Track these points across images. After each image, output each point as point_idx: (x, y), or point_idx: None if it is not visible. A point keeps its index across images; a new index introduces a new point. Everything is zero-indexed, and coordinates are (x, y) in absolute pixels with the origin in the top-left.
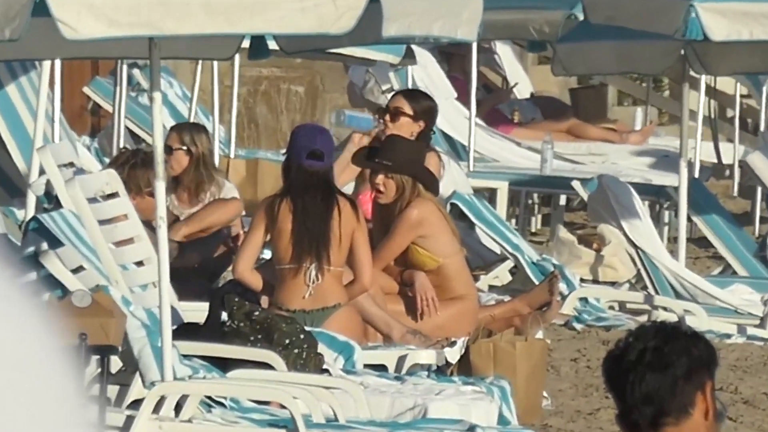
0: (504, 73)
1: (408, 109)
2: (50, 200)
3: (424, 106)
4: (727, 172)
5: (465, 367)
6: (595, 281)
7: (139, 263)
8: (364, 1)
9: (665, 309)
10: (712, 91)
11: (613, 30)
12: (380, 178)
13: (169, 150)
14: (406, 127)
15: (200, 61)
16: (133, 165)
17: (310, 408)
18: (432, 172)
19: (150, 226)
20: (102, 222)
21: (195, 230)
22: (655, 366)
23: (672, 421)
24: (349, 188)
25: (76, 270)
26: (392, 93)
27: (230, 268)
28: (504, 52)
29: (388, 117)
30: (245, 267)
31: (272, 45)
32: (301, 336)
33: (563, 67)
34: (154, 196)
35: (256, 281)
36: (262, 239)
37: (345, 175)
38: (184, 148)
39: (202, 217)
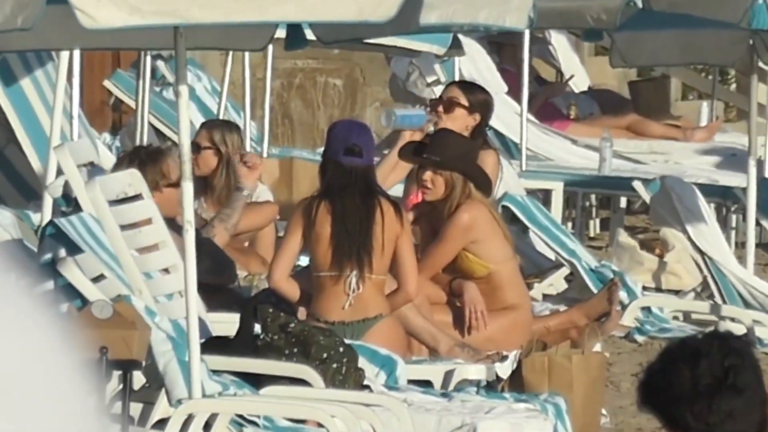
0: (558, 64)
1: (463, 100)
2: (68, 203)
3: (480, 98)
4: None
5: (517, 383)
6: (658, 289)
7: (165, 271)
8: None
9: (733, 319)
10: None
11: (675, 18)
12: (428, 175)
13: (197, 149)
14: (461, 120)
15: (230, 53)
16: (140, 162)
17: (349, 427)
18: (484, 171)
19: (173, 224)
20: (124, 227)
21: (231, 233)
22: (738, 387)
23: None
24: (397, 191)
25: (97, 278)
26: (446, 83)
27: (263, 275)
28: (559, 42)
29: (441, 108)
30: (281, 275)
31: (309, 35)
32: (340, 349)
33: (622, 58)
34: (172, 188)
35: (292, 290)
36: (299, 245)
37: (393, 176)
38: (214, 147)
39: (240, 223)
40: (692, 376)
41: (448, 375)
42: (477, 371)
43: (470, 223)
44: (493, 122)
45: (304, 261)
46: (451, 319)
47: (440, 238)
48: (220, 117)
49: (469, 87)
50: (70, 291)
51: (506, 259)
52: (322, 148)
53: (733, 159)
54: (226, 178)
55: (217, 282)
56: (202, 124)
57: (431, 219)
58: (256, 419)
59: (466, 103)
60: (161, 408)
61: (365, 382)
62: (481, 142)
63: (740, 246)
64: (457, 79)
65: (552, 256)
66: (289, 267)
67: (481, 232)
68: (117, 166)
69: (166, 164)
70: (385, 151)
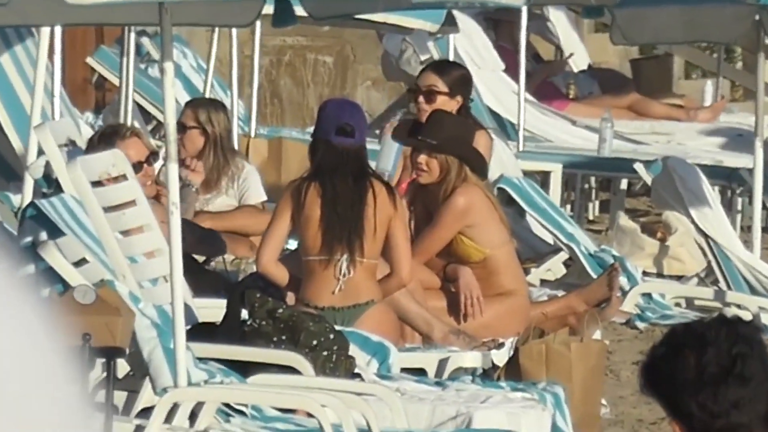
0: (557, 42)
1: (442, 85)
2: (50, 184)
3: (456, 78)
4: None
5: (514, 371)
6: (660, 275)
7: (149, 255)
8: None
9: (738, 306)
10: None
11: None
12: (423, 158)
13: (182, 128)
14: (444, 107)
15: (217, 29)
16: (108, 144)
17: (340, 417)
18: (480, 153)
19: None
20: (107, 209)
21: (218, 228)
22: (745, 376)
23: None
24: None
25: (79, 262)
26: (419, 70)
27: (251, 259)
28: (557, 18)
29: (422, 98)
30: (269, 258)
31: (298, 10)
32: (331, 336)
33: (623, 36)
34: (141, 168)
35: (280, 275)
36: (288, 228)
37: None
38: (200, 127)
39: (231, 220)
40: (698, 363)
41: (443, 363)
42: (472, 359)
43: (466, 207)
44: (489, 101)
45: (292, 245)
46: (446, 305)
47: (435, 221)
48: (207, 95)
49: (443, 68)
50: (52, 275)
51: (502, 243)
52: (312, 128)
53: (739, 140)
54: (213, 159)
55: (206, 253)
56: (187, 103)
57: (426, 202)
58: (243, 408)
59: (445, 89)
60: (146, 397)
61: (356, 371)
62: (471, 123)
63: (746, 230)
64: (452, 57)
65: (550, 240)
66: (277, 250)
67: (477, 215)
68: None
69: (122, 144)
70: (377, 131)
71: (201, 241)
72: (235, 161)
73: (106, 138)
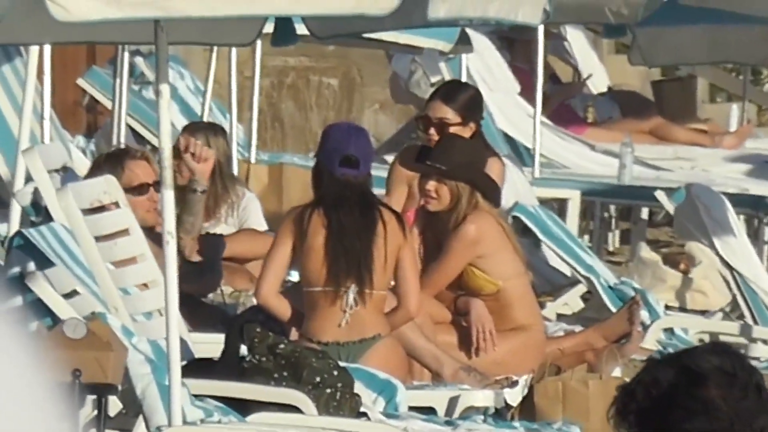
0: (575, 63)
1: (453, 116)
2: (38, 212)
3: (467, 103)
4: None
5: (528, 411)
6: (683, 309)
7: (143, 286)
8: None
9: (765, 341)
10: None
11: (703, 12)
12: (432, 184)
13: (178, 154)
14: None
15: (215, 48)
16: (110, 170)
17: None
18: (493, 180)
19: (151, 234)
20: (99, 238)
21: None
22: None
23: None
24: None
25: (69, 294)
26: (427, 99)
27: (250, 291)
28: (575, 38)
29: (433, 131)
30: (269, 290)
31: (300, 29)
32: (335, 373)
33: (643, 57)
34: (135, 195)
35: (281, 307)
36: (289, 257)
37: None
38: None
39: (230, 244)
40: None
41: (453, 401)
42: (484, 397)
43: (477, 236)
44: (503, 125)
45: (294, 276)
46: (456, 340)
47: (445, 251)
48: (204, 119)
49: (452, 96)
50: (40, 308)
51: (517, 274)
52: (315, 153)
53: (766, 166)
54: (211, 186)
55: (198, 290)
56: (185, 128)
57: (435, 231)
58: None
59: (458, 119)
60: None
61: (362, 409)
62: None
63: None
64: (465, 78)
65: (567, 271)
66: (278, 281)
67: (489, 245)
68: (88, 174)
69: (127, 166)
70: (385, 156)
71: (191, 278)
72: (235, 189)
73: (113, 158)
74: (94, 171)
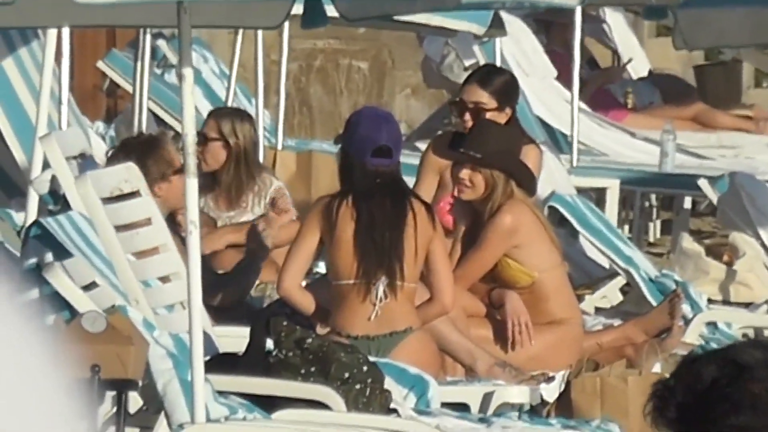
0: (614, 46)
1: (489, 100)
2: (56, 201)
3: (502, 88)
4: None
5: (565, 408)
6: (726, 302)
7: (165, 279)
8: None
9: None
10: None
11: None
12: (466, 173)
13: (203, 140)
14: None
15: (241, 31)
16: (140, 156)
17: None
18: (528, 168)
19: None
20: (119, 228)
21: (242, 241)
22: None
23: None
24: None
25: (88, 286)
26: (462, 82)
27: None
28: (615, 20)
29: (468, 116)
30: (292, 282)
31: (330, 10)
32: (364, 368)
33: (684, 39)
34: (181, 174)
35: (306, 301)
36: (314, 249)
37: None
38: (223, 139)
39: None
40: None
41: (487, 398)
42: (519, 393)
43: (513, 226)
44: (540, 111)
45: (321, 268)
46: (491, 334)
47: (479, 242)
48: (229, 104)
49: (488, 80)
50: (58, 300)
51: (553, 266)
52: (341, 142)
53: None
54: (236, 173)
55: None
56: (210, 113)
57: (469, 222)
58: None
59: (494, 104)
60: None
61: (392, 406)
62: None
63: None
64: (499, 63)
65: (606, 263)
66: (301, 274)
67: (525, 235)
68: (111, 162)
69: (166, 150)
70: (417, 143)
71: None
72: (262, 177)
73: (149, 142)
74: (123, 156)
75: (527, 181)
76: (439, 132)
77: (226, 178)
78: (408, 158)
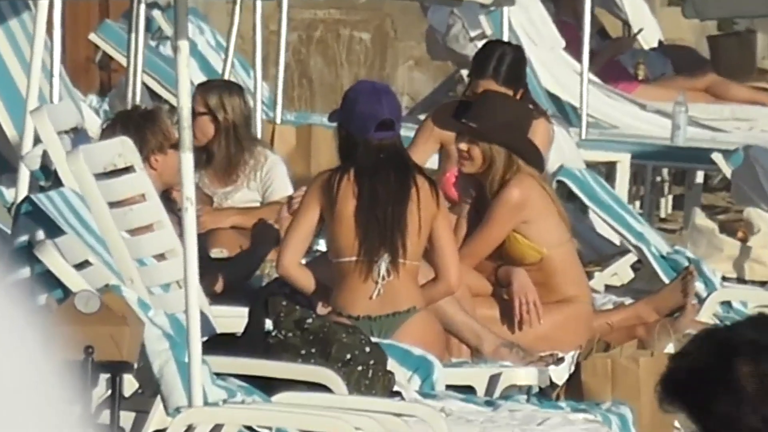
0: (625, 16)
1: (507, 91)
2: (48, 176)
3: (515, 72)
4: None
5: (575, 390)
6: (741, 280)
7: (160, 257)
8: None
9: None
10: None
11: None
12: (464, 144)
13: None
14: None
15: (238, 0)
16: (137, 125)
17: None
18: (533, 143)
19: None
20: (113, 204)
21: (247, 225)
22: None
23: None
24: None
25: (81, 265)
26: (470, 76)
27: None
28: None
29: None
30: (292, 260)
31: None
32: (366, 349)
33: (696, 9)
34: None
35: (305, 279)
36: (314, 225)
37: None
38: (210, 113)
39: (259, 216)
40: (757, 372)
41: (494, 380)
42: (527, 375)
43: (521, 200)
44: (548, 83)
45: (322, 245)
46: (498, 314)
47: (486, 218)
48: (226, 76)
49: (499, 69)
50: (50, 280)
51: (562, 242)
52: (337, 117)
53: None
54: (226, 148)
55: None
56: (197, 87)
57: (475, 197)
58: (267, 431)
59: (511, 93)
60: (156, 417)
61: (396, 388)
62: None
63: None
64: (506, 34)
65: (616, 240)
66: (301, 251)
67: (533, 210)
68: (107, 133)
69: (164, 122)
70: (420, 116)
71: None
72: (256, 151)
73: (147, 115)
74: (120, 128)
75: (532, 157)
76: (444, 102)
77: (217, 154)
78: (410, 131)
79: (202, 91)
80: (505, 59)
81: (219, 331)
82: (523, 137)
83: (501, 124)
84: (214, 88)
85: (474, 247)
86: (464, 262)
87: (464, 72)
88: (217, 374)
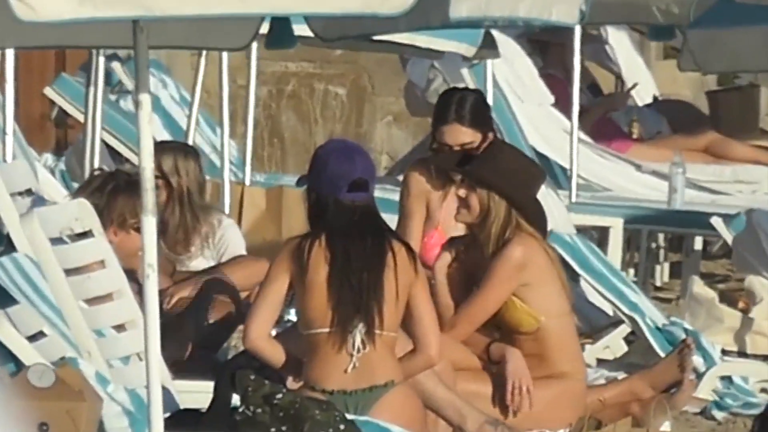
0: (618, 69)
1: (474, 135)
2: (0, 241)
3: (479, 115)
4: None
5: None
6: (742, 353)
7: (120, 327)
8: None
9: None
10: None
11: (764, 11)
12: (462, 190)
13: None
14: None
15: (204, 53)
16: (114, 189)
17: None
18: (537, 201)
19: (132, 277)
20: (70, 272)
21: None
22: None
23: None
24: None
25: (35, 336)
26: (434, 122)
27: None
28: (618, 41)
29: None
30: (260, 333)
31: (303, 29)
32: (341, 427)
33: (696, 62)
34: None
35: (275, 352)
36: (284, 295)
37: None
38: (163, 178)
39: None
40: None
41: None
42: None
43: (524, 260)
44: (535, 141)
45: (293, 315)
46: (482, 389)
47: (487, 278)
48: (191, 133)
49: (462, 113)
50: (1, 352)
51: (561, 313)
52: (307, 180)
53: None
54: (180, 216)
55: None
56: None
57: (463, 260)
58: None
59: (479, 137)
60: None
61: None
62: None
63: None
64: (489, 88)
65: (609, 310)
66: (270, 323)
67: (534, 273)
68: (83, 189)
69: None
70: (399, 177)
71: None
72: (210, 218)
73: (132, 186)
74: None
75: (536, 215)
76: (419, 157)
77: (171, 221)
78: (389, 193)
79: (156, 152)
80: (466, 101)
81: (182, 406)
82: (527, 192)
83: (504, 171)
84: (168, 150)
85: (471, 310)
86: (460, 329)
87: None
88: None
